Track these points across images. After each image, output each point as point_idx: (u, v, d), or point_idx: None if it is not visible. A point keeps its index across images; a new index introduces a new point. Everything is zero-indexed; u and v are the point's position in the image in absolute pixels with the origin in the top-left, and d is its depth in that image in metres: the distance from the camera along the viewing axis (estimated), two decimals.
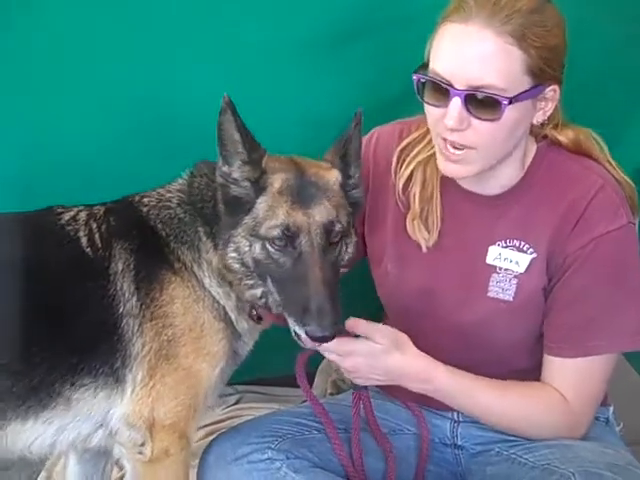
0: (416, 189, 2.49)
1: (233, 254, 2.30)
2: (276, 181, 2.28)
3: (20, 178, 2.91)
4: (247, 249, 2.28)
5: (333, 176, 2.34)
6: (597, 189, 2.36)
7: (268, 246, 2.25)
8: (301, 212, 2.24)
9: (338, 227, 2.27)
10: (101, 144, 2.92)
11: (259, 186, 2.28)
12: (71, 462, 2.68)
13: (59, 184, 2.82)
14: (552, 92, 2.33)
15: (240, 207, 2.29)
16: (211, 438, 2.59)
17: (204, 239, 2.39)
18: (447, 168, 2.37)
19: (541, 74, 2.26)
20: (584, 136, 2.45)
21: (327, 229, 2.25)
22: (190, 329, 2.34)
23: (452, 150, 2.31)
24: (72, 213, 2.42)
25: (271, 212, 2.25)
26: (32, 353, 2.28)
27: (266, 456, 2.43)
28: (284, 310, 2.26)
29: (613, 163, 2.45)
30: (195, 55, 2.89)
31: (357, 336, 2.33)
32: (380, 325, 2.38)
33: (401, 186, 2.52)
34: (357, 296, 2.48)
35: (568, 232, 2.37)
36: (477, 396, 2.42)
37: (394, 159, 2.55)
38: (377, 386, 2.54)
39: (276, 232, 2.23)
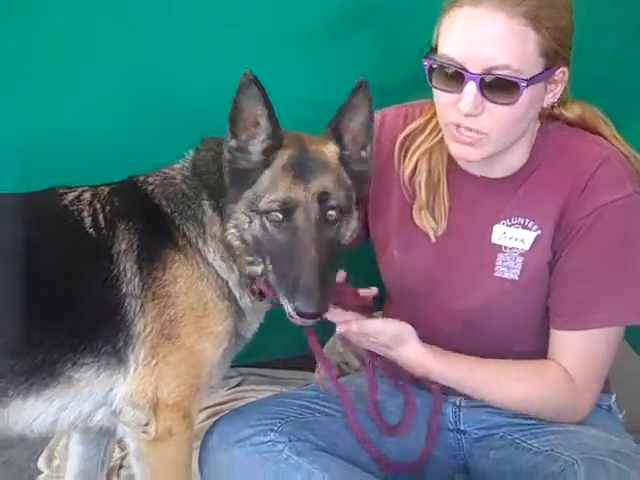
0: (422, 178, 2.47)
1: (233, 230, 2.30)
2: (283, 156, 2.28)
3: (23, 162, 2.91)
4: (247, 225, 2.27)
5: (330, 150, 2.34)
6: (601, 160, 2.35)
7: (266, 221, 2.24)
8: (301, 187, 2.24)
9: (333, 202, 2.26)
10: (103, 129, 2.92)
11: (269, 159, 2.27)
12: (73, 442, 2.69)
13: (60, 169, 2.81)
14: (562, 74, 2.32)
15: (244, 181, 2.28)
16: (213, 420, 2.59)
17: (209, 212, 2.38)
18: (460, 151, 2.34)
19: (554, 55, 2.25)
20: (590, 112, 2.44)
21: (322, 203, 2.23)
22: (192, 308, 2.34)
23: (465, 132, 2.29)
24: (76, 193, 2.41)
25: (272, 186, 2.25)
26: (34, 332, 2.28)
27: (268, 438, 2.43)
28: (277, 288, 2.24)
29: (619, 138, 2.43)
30: (197, 43, 2.88)
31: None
32: (380, 322, 2.38)
33: (407, 177, 2.50)
34: (362, 281, 2.47)
35: (573, 204, 2.35)
36: (480, 382, 2.43)
37: (397, 146, 2.53)
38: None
39: (274, 205, 2.23)
